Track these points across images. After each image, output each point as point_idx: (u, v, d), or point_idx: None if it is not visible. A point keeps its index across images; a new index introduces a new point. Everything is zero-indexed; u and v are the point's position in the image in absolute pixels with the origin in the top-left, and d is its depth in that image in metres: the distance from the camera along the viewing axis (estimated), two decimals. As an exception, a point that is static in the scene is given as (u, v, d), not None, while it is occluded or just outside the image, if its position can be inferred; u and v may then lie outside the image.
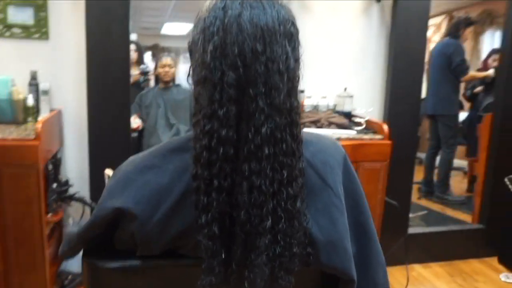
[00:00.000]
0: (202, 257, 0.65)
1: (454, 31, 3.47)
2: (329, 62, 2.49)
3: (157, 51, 5.74)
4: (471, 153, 3.71)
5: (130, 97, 2.27)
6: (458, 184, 3.89)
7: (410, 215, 2.66)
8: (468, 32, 3.54)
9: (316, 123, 2.33)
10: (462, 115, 3.92)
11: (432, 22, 4.63)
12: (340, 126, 2.32)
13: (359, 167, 2.11)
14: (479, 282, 2.41)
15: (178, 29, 5.76)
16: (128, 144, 2.22)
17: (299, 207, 0.67)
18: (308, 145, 0.72)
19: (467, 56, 3.67)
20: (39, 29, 2.11)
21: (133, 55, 3.44)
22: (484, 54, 4.69)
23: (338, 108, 2.49)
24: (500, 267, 2.42)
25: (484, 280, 2.44)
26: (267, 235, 0.64)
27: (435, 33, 5.18)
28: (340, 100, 2.50)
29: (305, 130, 0.75)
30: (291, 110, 0.65)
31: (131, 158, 0.77)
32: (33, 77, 2.08)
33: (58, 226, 2.18)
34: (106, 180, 1.29)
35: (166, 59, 3.10)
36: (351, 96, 2.48)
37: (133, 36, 3.99)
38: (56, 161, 2.09)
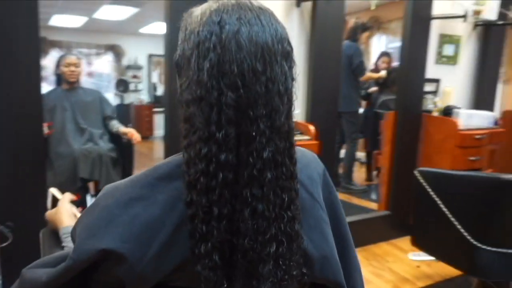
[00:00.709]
0: None
1: (353, 35, 3.77)
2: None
3: (46, 46, 5.23)
4: (370, 146, 4.09)
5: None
6: (358, 174, 4.26)
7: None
8: (365, 36, 3.89)
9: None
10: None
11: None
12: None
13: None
14: (390, 262, 2.70)
15: (69, 21, 5.32)
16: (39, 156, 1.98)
17: (298, 229, 0.65)
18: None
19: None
20: None
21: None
22: (373, 56, 5.18)
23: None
24: (407, 247, 2.71)
25: (394, 260, 2.74)
26: (270, 261, 0.62)
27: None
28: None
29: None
30: (289, 132, 0.64)
31: (109, 189, 0.67)
32: None
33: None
34: (49, 201, 1.15)
35: (71, 58, 2.84)
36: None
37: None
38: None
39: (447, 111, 3.02)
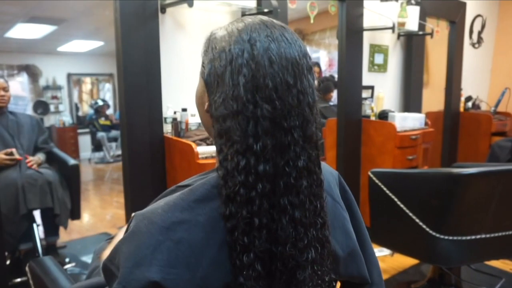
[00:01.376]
0: None
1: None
2: (207, 79, 2.55)
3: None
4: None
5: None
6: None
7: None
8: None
9: (206, 141, 2.37)
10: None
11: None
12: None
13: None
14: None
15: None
16: None
17: (327, 234, 0.69)
18: None
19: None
20: None
21: None
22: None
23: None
24: None
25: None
26: (308, 267, 0.65)
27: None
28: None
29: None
30: (317, 141, 0.67)
31: (145, 215, 0.65)
32: None
33: None
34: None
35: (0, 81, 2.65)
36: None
37: None
38: None
39: (382, 115, 3.26)
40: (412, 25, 3.36)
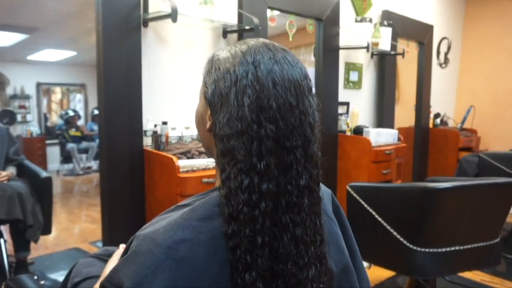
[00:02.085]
0: None
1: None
2: (188, 93, 2.56)
3: None
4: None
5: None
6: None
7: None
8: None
9: (186, 154, 2.37)
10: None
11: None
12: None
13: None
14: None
15: None
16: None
17: (325, 251, 0.70)
18: None
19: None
20: None
21: None
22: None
23: (201, 137, 2.57)
24: None
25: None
26: (308, 284, 0.65)
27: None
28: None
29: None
30: (318, 160, 0.69)
31: (147, 234, 0.64)
32: None
33: None
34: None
35: None
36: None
37: None
38: None
39: (357, 130, 3.35)
40: (385, 45, 3.49)
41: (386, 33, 3.47)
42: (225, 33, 2.68)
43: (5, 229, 2.73)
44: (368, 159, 3.09)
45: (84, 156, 7.07)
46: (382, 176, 3.12)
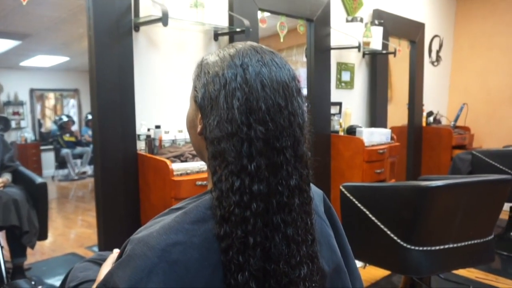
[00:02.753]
0: None
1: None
2: (180, 96, 2.56)
3: None
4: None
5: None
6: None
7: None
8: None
9: (180, 157, 2.37)
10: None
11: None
12: (203, 158, 2.43)
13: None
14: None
15: None
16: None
17: (316, 250, 0.71)
18: None
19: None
20: None
21: None
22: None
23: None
24: None
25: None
26: (300, 283, 0.66)
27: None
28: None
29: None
30: (307, 160, 0.70)
31: (140, 239, 0.65)
32: None
33: None
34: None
35: None
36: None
37: None
38: None
39: (350, 130, 3.36)
40: (376, 44, 3.50)
41: (377, 32, 3.48)
42: (216, 35, 2.69)
43: (1, 235, 2.72)
44: (361, 159, 3.10)
45: (79, 161, 7.04)
46: (376, 175, 3.13)
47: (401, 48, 4.01)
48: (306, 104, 0.73)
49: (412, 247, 2.01)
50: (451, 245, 2.02)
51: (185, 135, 2.52)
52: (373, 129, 3.36)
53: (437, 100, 5.03)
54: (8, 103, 7.09)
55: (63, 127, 7.18)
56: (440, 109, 5.03)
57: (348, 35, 3.37)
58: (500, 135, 4.77)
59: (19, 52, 5.82)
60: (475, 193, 2.01)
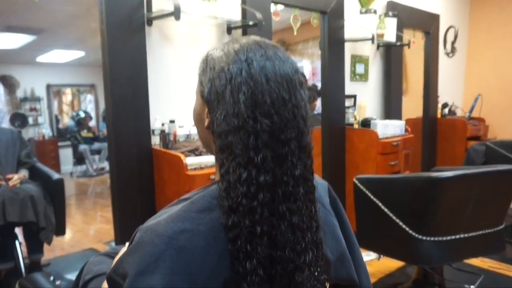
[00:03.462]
0: None
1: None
2: (194, 90, 2.57)
3: None
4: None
5: None
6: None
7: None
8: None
9: (194, 152, 2.39)
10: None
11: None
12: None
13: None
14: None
15: None
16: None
17: (321, 236, 0.73)
18: None
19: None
20: None
21: None
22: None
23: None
24: None
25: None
26: (305, 269, 0.68)
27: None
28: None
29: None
30: (311, 151, 0.72)
31: (149, 227, 0.68)
32: None
33: None
34: None
35: None
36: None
37: None
38: None
39: (365, 123, 3.35)
40: (390, 36, 3.48)
41: (391, 24, 3.45)
42: (229, 29, 2.70)
43: (19, 231, 2.78)
44: (376, 151, 3.09)
45: (96, 157, 7.12)
46: (390, 167, 3.12)
47: (416, 40, 3.96)
48: (308, 96, 0.74)
49: (424, 238, 2.02)
50: (462, 235, 2.02)
51: (198, 129, 2.53)
52: (387, 121, 3.35)
53: (452, 91, 4.98)
54: (25, 99, 7.21)
55: (81, 123, 7.28)
56: (455, 100, 4.97)
57: (362, 27, 3.35)
58: (515, 126, 4.71)
59: (34, 47, 5.92)
60: (486, 184, 2.01)
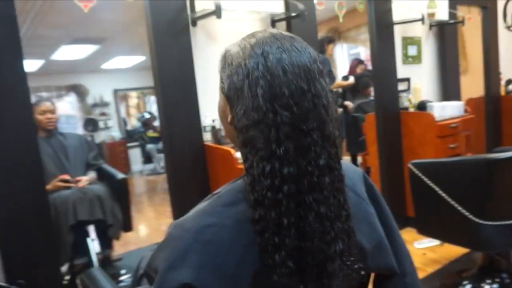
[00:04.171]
0: None
1: (320, 47, 3.98)
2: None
3: None
4: (352, 150, 4.28)
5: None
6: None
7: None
8: (330, 47, 4.11)
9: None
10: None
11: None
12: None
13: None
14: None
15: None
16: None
17: (352, 225, 0.72)
18: None
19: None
20: None
21: None
22: (338, 64, 5.42)
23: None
24: (409, 238, 2.81)
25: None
26: (336, 258, 0.68)
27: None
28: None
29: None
30: (335, 139, 0.70)
31: (178, 223, 0.72)
32: None
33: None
34: None
35: (46, 104, 2.78)
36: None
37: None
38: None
39: (421, 106, 3.23)
40: (442, 14, 3.32)
41: (442, 2, 3.29)
42: (273, 22, 2.71)
43: (91, 229, 2.99)
44: (433, 135, 2.97)
45: (163, 155, 7.40)
46: (450, 150, 2.99)
47: (472, 16, 3.73)
48: (330, 84, 0.74)
49: (484, 222, 1.93)
50: (525, 219, 1.90)
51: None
52: (444, 103, 3.21)
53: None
54: (95, 105, 7.72)
55: (146, 123, 7.65)
56: (521, 76, 4.62)
57: (411, 8, 3.22)
58: None
59: (99, 56, 6.31)
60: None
